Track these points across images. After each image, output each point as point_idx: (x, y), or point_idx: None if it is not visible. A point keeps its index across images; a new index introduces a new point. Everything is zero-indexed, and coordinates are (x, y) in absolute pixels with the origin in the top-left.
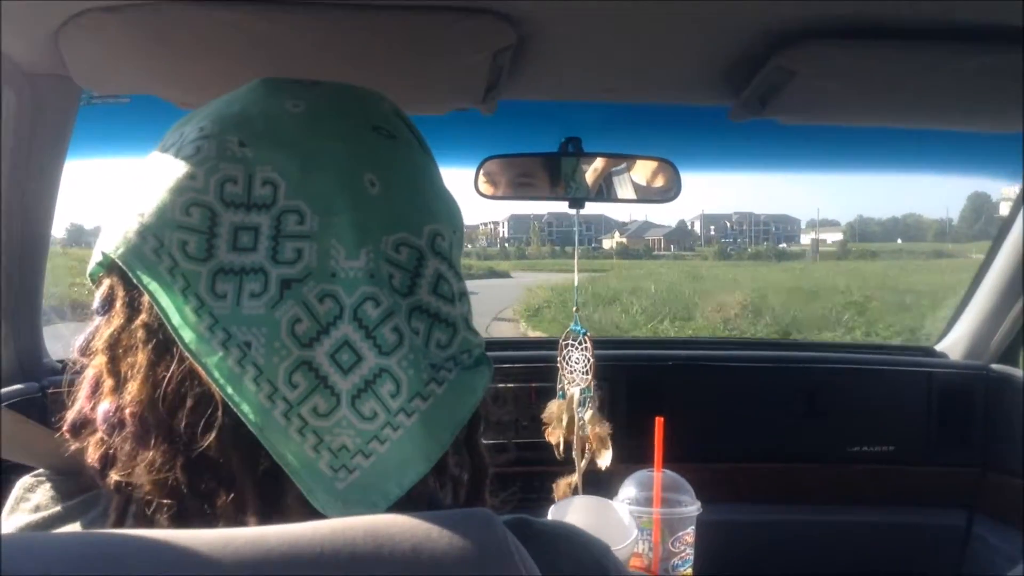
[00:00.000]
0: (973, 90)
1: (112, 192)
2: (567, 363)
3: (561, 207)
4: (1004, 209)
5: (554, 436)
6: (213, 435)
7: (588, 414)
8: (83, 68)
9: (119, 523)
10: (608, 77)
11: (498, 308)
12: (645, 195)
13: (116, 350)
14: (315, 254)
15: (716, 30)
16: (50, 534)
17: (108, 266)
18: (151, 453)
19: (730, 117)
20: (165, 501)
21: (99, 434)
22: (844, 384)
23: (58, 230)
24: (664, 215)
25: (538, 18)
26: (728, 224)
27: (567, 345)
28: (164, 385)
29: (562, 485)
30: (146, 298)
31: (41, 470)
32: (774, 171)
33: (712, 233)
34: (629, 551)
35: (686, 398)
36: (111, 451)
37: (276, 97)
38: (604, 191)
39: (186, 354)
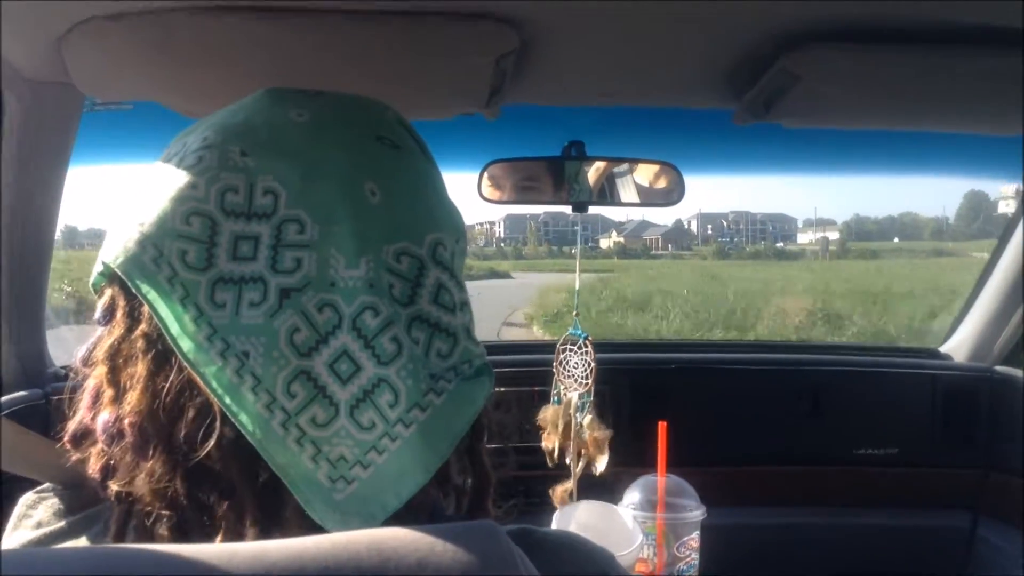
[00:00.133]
0: (978, 93)
1: (112, 198)
2: (564, 368)
3: (556, 207)
4: (1003, 207)
5: (549, 442)
6: (213, 445)
7: (587, 419)
8: (86, 75)
9: (120, 535)
10: (611, 81)
11: (502, 311)
12: (648, 198)
13: (116, 360)
14: (314, 263)
15: (720, 34)
16: (52, 549)
17: (109, 276)
18: (151, 463)
19: (734, 120)
20: (165, 512)
21: (100, 445)
22: (848, 386)
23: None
24: (661, 215)
25: (541, 22)
26: (725, 223)
27: (565, 349)
28: (163, 395)
29: (559, 491)
30: (146, 308)
31: (44, 485)
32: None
33: (709, 232)
34: (634, 557)
35: (689, 401)
36: (112, 462)
37: (280, 107)
38: (607, 194)
39: (185, 364)
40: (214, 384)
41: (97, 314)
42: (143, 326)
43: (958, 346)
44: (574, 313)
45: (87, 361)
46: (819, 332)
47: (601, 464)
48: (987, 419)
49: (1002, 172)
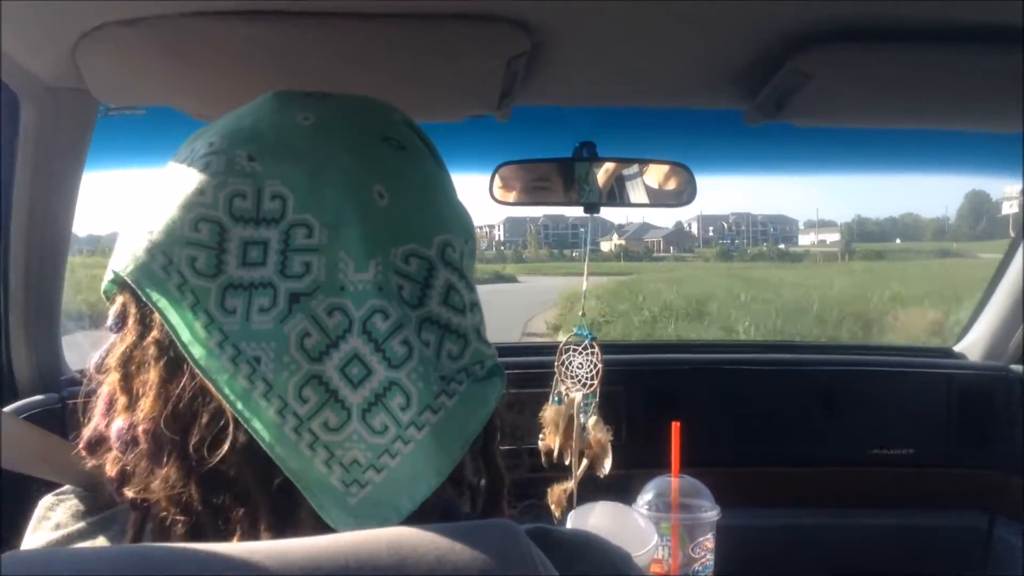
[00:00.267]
0: (991, 90)
1: (119, 205)
2: (567, 368)
3: (556, 210)
4: (1006, 208)
5: (548, 442)
6: (226, 451)
7: (592, 420)
8: (100, 81)
9: (136, 540)
10: (622, 82)
11: (513, 319)
12: (658, 199)
13: (129, 367)
14: (323, 267)
15: (730, 35)
16: (71, 549)
17: (120, 284)
18: (165, 470)
19: (745, 121)
20: (180, 517)
21: (114, 452)
22: (863, 386)
23: None
24: (661, 217)
25: (552, 24)
26: (725, 225)
27: (568, 349)
28: (176, 402)
29: (556, 491)
30: (157, 315)
31: (64, 487)
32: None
33: (710, 234)
34: (649, 557)
35: (703, 402)
36: (127, 468)
37: (287, 110)
38: (617, 195)
39: (197, 371)
40: (226, 390)
41: (109, 321)
42: (155, 333)
43: (972, 345)
44: (580, 314)
45: (100, 368)
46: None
47: (606, 467)
48: (1003, 418)
49: (1003, 170)
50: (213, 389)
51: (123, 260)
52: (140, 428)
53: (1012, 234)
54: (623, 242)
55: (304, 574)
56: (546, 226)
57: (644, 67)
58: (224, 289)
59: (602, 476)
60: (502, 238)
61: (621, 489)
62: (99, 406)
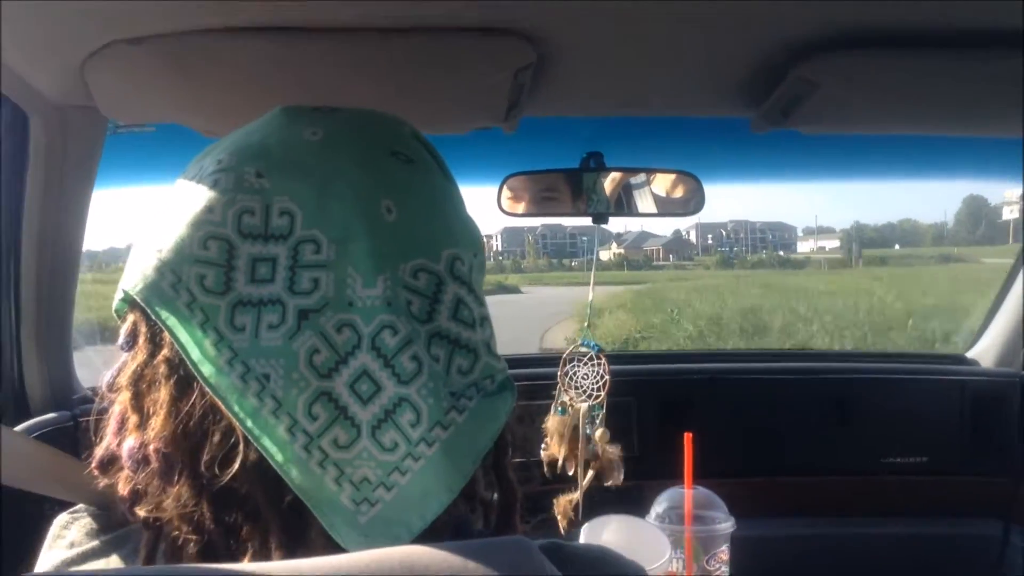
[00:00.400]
0: (993, 95)
1: (127, 223)
2: (571, 379)
3: (554, 219)
4: (1006, 214)
5: (551, 452)
6: (237, 469)
7: (599, 432)
8: (109, 99)
9: (150, 560)
10: (628, 92)
11: (524, 331)
12: (666, 208)
13: (140, 386)
14: (332, 283)
15: (736, 44)
16: (87, 572)
17: (130, 302)
18: (177, 488)
19: (751, 129)
20: (192, 537)
21: (126, 471)
22: (875, 394)
23: None
24: (660, 225)
25: (557, 36)
26: (724, 233)
27: (572, 359)
28: (187, 420)
29: (562, 502)
30: (167, 334)
31: (78, 506)
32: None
33: (709, 242)
34: (662, 570)
35: (715, 412)
36: (139, 487)
37: (295, 125)
38: (625, 205)
39: (207, 389)
40: (236, 408)
41: (120, 340)
42: (165, 351)
43: (984, 351)
44: (584, 324)
45: (112, 387)
46: None
47: (616, 477)
48: (1017, 425)
49: (1002, 175)
50: (223, 407)
51: (132, 279)
52: (151, 447)
53: (1012, 239)
54: (622, 251)
55: None
56: (544, 236)
57: (650, 77)
58: (233, 306)
59: (613, 487)
60: (500, 248)
61: (633, 500)
62: (111, 425)
